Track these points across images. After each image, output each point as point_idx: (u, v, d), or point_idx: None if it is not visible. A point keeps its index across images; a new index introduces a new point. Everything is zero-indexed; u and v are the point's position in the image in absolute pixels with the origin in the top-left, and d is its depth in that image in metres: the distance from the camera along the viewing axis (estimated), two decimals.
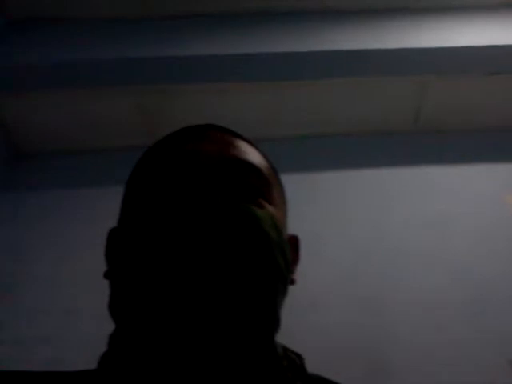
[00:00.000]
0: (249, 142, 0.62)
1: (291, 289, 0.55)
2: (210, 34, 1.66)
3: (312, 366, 0.56)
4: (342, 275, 1.44)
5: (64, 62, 1.60)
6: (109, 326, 0.52)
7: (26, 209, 1.59)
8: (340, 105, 1.78)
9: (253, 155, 0.58)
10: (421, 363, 1.28)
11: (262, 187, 0.55)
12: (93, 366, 0.53)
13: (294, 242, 0.62)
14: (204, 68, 1.60)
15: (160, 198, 0.52)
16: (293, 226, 0.63)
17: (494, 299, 1.44)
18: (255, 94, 1.67)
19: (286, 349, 0.56)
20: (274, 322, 0.51)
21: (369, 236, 1.54)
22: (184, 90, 1.63)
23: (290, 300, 0.55)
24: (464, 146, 1.79)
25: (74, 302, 1.34)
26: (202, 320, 0.45)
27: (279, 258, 0.51)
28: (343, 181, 1.68)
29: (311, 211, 1.50)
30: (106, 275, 0.54)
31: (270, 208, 0.55)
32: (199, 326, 0.45)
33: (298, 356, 0.57)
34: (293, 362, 0.55)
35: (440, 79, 1.75)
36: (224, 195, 0.51)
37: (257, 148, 0.62)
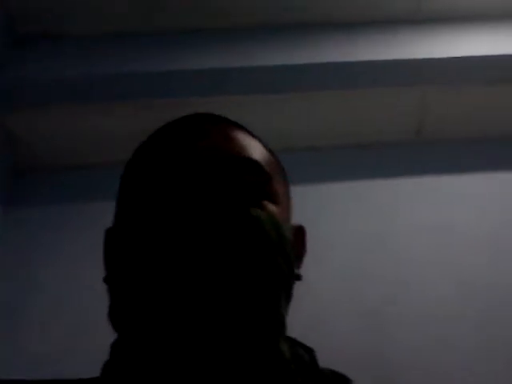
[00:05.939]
0: (248, 131, 0.59)
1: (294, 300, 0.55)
2: (211, 48, 1.66)
3: None
4: (345, 286, 1.43)
5: (67, 77, 1.61)
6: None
7: (29, 223, 1.59)
8: (342, 116, 1.78)
9: (252, 148, 0.56)
10: (426, 375, 1.27)
11: (262, 185, 0.53)
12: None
13: (300, 233, 0.60)
14: (206, 81, 1.61)
15: (157, 200, 0.50)
16: None
17: (500, 309, 1.43)
18: (258, 106, 1.68)
19: (294, 345, 0.55)
20: (277, 325, 0.50)
21: (373, 247, 1.53)
22: (187, 104, 1.64)
23: (290, 311, 0.54)
24: (466, 156, 1.78)
25: (77, 318, 1.33)
26: (204, 327, 0.45)
27: (280, 260, 0.50)
28: (346, 192, 1.67)
29: (314, 223, 1.49)
30: (106, 280, 0.53)
31: (271, 206, 0.53)
32: (201, 334, 0.45)
33: (309, 351, 0.55)
34: (302, 360, 0.53)
35: (441, 89, 1.75)
36: (222, 196, 0.49)
37: (256, 137, 0.60)
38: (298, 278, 0.55)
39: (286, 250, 0.52)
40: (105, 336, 0.52)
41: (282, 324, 0.50)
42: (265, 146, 0.60)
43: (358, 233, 1.57)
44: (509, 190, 1.69)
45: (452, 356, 1.31)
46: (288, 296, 0.52)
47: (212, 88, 1.62)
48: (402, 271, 1.48)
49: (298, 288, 0.56)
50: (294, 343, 0.56)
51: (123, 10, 1.70)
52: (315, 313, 1.33)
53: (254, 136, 0.59)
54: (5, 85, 1.60)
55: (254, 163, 0.53)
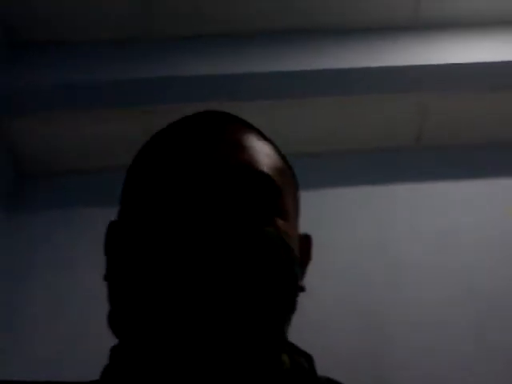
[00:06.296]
0: (259, 132, 0.58)
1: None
2: (211, 54, 1.67)
3: None
4: (346, 290, 1.43)
5: (66, 83, 1.61)
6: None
7: (30, 229, 1.59)
8: (342, 123, 1.78)
9: (265, 157, 0.54)
10: (426, 379, 1.27)
11: (272, 200, 0.52)
12: None
13: (306, 241, 0.60)
14: (206, 87, 1.61)
15: (164, 204, 0.49)
16: None
17: (502, 313, 1.43)
18: (258, 112, 1.68)
19: (294, 352, 0.55)
20: (280, 340, 0.50)
21: (373, 252, 1.54)
22: (187, 109, 1.64)
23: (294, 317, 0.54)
24: (466, 162, 1.79)
25: (77, 323, 1.33)
26: (206, 337, 0.45)
27: (287, 278, 0.50)
28: (346, 198, 1.68)
29: (315, 228, 1.49)
30: (106, 277, 0.52)
31: (281, 222, 0.51)
32: (204, 343, 0.45)
33: (308, 357, 0.55)
34: (301, 368, 0.53)
35: (441, 96, 1.76)
36: (230, 210, 0.48)
37: (268, 140, 0.58)
38: (302, 289, 0.55)
39: (294, 269, 0.51)
40: (105, 338, 0.52)
41: (284, 338, 0.50)
42: (276, 149, 0.59)
43: (358, 238, 1.57)
44: (509, 196, 1.69)
45: (452, 357, 1.31)
46: (292, 310, 0.52)
47: (211, 94, 1.62)
48: (401, 275, 1.48)
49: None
50: (294, 350, 0.56)
51: (124, 17, 1.71)
52: (316, 315, 1.33)
53: (265, 138, 0.58)
54: (7, 91, 1.61)
55: (266, 177, 0.52)
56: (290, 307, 0.51)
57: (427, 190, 1.71)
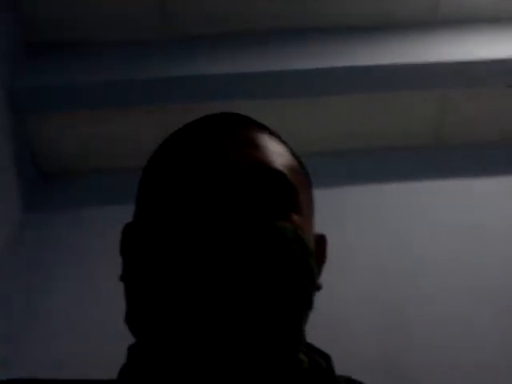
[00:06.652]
0: (272, 133, 0.58)
1: (315, 303, 0.54)
2: (224, 53, 1.67)
3: None
4: (366, 288, 1.42)
5: (86, 83, 1.62)
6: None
7: (51, 229, 1.60)
8: (361, 120, 1.77)
9: (278, 156, 0.54)
10: (449, 377, 1.25)
11: (286, 196, 0.52)
12: None
13: (321, 242, 0.60)
14: (219, 86, 1.61)
15: (179, 203, 0.49)
16: None
17: None
18: (274, 111, 1.68)
19: (312, 351, 0.54)
20: (297, 338, 0.49)
21: (393, 250, 1.52)
22: (203, 109, 1.65)
23: (312, 314, 0.54)
24: (487, 158, 1.76)
25: (98, 322, 1.34)
26: (223, 336, 0.44)
27: (303, 274, 0.50)
28: (366, 196, 1.66)
29: (335, 226, 1.49)
30: (122, 278, 0.52)
31: (295, 218, 0.51)
32: (220, 342, 0.44)
33: (326, 357, 0.55)
34: (319, 368, 0.53)
35: (462, 92, 1.74)
36: (245, 207, 0.48)
37: (281, 141, 0.58)
38: (319, 288, 0.55)
39: (310, 264, 0.51)
40: (121, 338, 0.51)
41: (301, 336, 0.50)
42: (290, 149, 0.59)
43: (378, 235, 1.56)
44: None
45: (474, 357, 1.29)
46: (309, 308, 0.52)
47: (228, 92, 1.62)
48: (422, 273, 1.46)
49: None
50: (312, 350, 0.56)
51: (135, 17, 1.72)
52: (336, 314, 1.32)
53: (278, 139, 0.58)
54: (26, 90, 1.62)
55: (280, 174, 0.52)
56: (307, 303, 0.51)
57: (449, 186, 1.69)
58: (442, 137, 1.82)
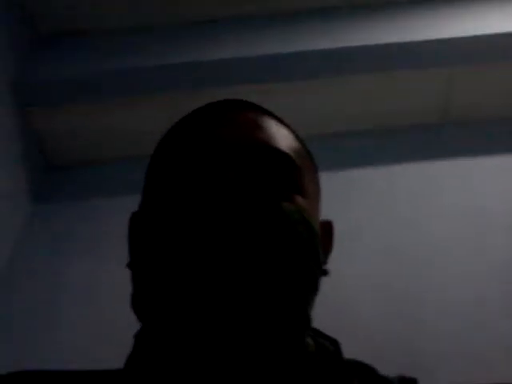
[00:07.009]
0: (277, 118, 0.58)
1: (323, 288, 0.54)
2: (236, 37, 1.66)
3: None
4: (374, 272, 1.41)
5: (92, 73, 1.63)
6: None
7: (60, 219, 1.61)
8: (367, 100, 1.75)
9: (282, 138, 0.54)
10: (462, 362, 1.24)
11: (291, 177, 0.51)
12: None
13: (327, 227, 0.59)
14: (227, 71, 1.60)
15: (183, 188, 0.50)
16: None
17: None
18: (285, 93, 1.67)
19: (317, 335, 0.54)
20: (303, 321, 0.49)
21: (402, 232, 1.51)
22: (213, 94, 1.64)
23: (321, 299, 0.54)
24: (496, 136, 1.73)
25: (109, 313, 1.34)
26: (229, 320, 0.44)
27: (309, 256, 0.49)
28: (374, 177, 1.65)
29: (343, 208, 1.48)
30: (129, 265, 0.52)
31: (300, 199, 0.51)
32: (227, 326, 0.44)
33: (333, 342, 0.55)
34: (326, 351, 0.52)
35: (467, 69, 1.71)
36: (250, 189, 0.48)
37: (286, 126, 0.58)
38: (325, 273, 0.54)
39: (315, 246, 0.51)
40: (130, 327, 0.51)
41: (307, 319, 0.50)
42: (294, 134, 0.58)
43: (387, 217, 1.54)
44: None
45: (488, 340, 1.28)
46: (315, 291, 0.51)
47: (238, 76, 1.61)
48: (432, 255, 1.45)
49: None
50: (319, 335, 0.55)
51: (143, 4, 1.71)
52: (344, 299, 1.32)
53: (283, 123, 0.58)
54: (33, 82, 1.62)
55: (284, 155, 0.52)
56: (313, 285, 0.50)
57: (457, 165, 1.67)
58: (450, 114, 1.79)
